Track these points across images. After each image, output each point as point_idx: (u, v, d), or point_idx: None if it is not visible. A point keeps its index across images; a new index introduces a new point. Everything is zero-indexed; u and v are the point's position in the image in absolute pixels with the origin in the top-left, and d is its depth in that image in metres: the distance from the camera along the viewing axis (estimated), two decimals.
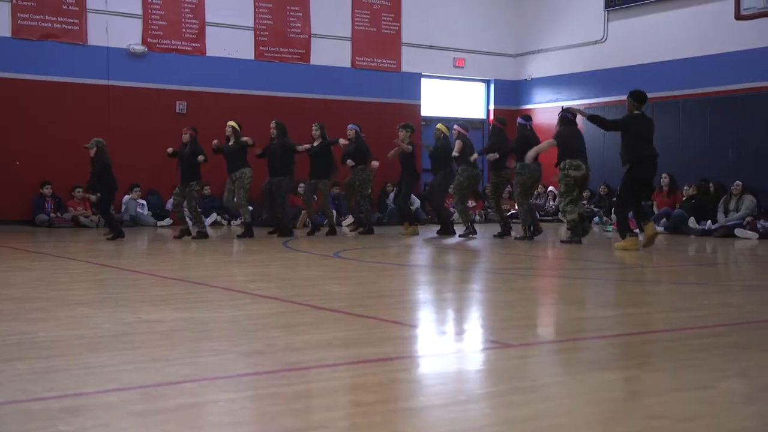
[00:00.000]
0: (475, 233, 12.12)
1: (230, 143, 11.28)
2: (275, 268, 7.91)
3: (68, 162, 13.38)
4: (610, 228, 14.01)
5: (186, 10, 15.18)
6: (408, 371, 3.60)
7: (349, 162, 12.24)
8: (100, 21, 14.44)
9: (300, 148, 11.64)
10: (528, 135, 11.61)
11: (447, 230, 12.31)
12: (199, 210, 11.52)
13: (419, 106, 17.60)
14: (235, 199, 11.29)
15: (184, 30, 15.19)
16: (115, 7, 14.54)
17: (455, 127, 12.54)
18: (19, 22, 13.80)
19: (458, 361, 3.80)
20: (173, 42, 15.10)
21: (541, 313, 5.36)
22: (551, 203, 16.79)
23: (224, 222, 14.50)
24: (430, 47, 17.67)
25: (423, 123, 17.22)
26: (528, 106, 18.74)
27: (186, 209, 11.27)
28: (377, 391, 3.15)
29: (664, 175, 14.25)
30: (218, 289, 6.04)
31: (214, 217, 14.30)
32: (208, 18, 15.34)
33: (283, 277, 7.04)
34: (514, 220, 13.58)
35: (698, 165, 14.98)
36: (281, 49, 16.08)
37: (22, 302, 5.29)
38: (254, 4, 15.80)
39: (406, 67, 17.39)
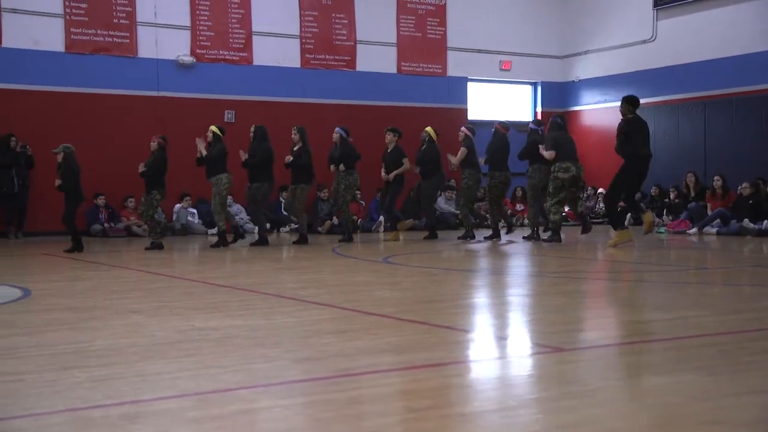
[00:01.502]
0: (473, 237, 12.25)
1: (211, 149, 11.11)
2: (325, 274, 7.96)
3: (120, 173, 13.62)
4: (662, 230, 13.82)
5: (233, 20, 15.36)
6: (460, 376, 3.59)
7: (333, 168, 12.00)
8: (149, 33, 14.69)
9: (286, 159, 11.49)
10: (539, 140, 11.78)
11: (434, 235, 12.45)
12: (161, 220, 11.36)
13: (466, 110, 17.55)
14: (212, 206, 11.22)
15: (231, 40, 15.37)
16: (164, 19, 14.78)
17: (462, 129, 12.57)
18: (72, 37, 14.11)
19: (509, 366, 3.79)
20: (221, 52, 15.29)
21: (593, 317, 5.30)
22: (601, 205, 16.59)
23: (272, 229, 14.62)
24: (476, 51, 17.62)
25: (470, 126, 17.14)
26: (576, 108, 18.58)
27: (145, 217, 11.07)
28: (430, 396, 3.15)
29: (716, 177, 14.01)
30: (269, 296, 6.09)
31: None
32: (255, 27, 15.51)
33: (333, 284, 7.07)
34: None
35: (752, 164, 14.68)
36: (327, 57, 16.18)
37: (79, 311, 5.40)
38: (300, 13, 15.93)
39: (452, 72, 17.36)
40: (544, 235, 11.67)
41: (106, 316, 5.15)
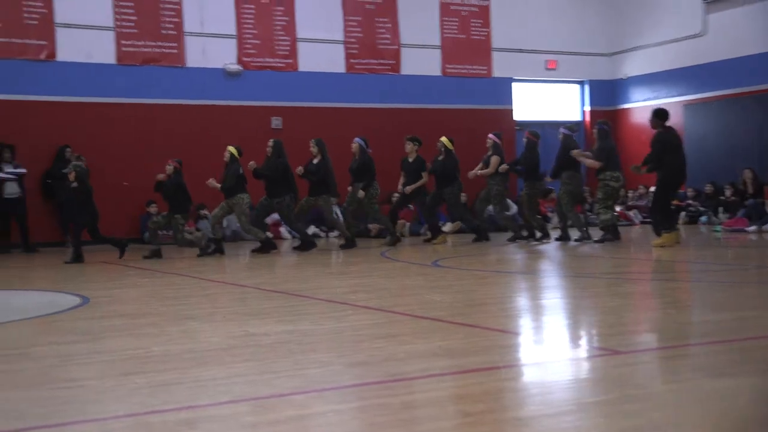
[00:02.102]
0: (488, 239, 12.33)
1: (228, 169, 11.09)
2: (375, 278, 7.96)
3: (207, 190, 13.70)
4: (718, 228, 13.57)
5: (278, 27, 15.49)
6: (514, 380, 3.56)
7: (356, 188, 11.81)
8: (197, 43, 14.88)
9: (298, 170, 11.45)
10: (574, 146, 11.78)
11: (483, 237, 12.40)
12: (189, 238, 11.21)
13: (511, 111, 17.44)
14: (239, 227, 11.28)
15: (276, 47, 15.50)
16: (210, 29, 14.96)
17: (490, 136, 12.55)
18: (122, 49, 14.36)
19: (566, 369, 3.74)
20: (267, 59, 15.43)
21: (650, 318, 5.21)
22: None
23: (322, 234, 14.68)
24: (521, 51, 17.49)
25: (517, 128, 17.06)
26: (625, 106, 18.34)
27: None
28: (484, 400, 3.13)
29: None
30: (320, 301, 6.12)
31: (312, 228, 14.49)
32: (300, 34, 15.61)
33: (383, 287, 7.07)
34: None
35: None
36: (371, 61, 16.22)
37: (135, 318, 5.48)
38: (344, 18, 16.00)
39: (497, 72, 17.26)
40: (598, 237, 11.59)
41: (162, 322, 5.22)
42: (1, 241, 12.76)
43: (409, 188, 12.27)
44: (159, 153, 14.03)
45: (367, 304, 5.78)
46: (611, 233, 11.38)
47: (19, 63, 13.63)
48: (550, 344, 4.36)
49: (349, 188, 12.04)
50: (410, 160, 12.41)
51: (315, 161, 11.50)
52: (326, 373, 3.67)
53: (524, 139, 12.44)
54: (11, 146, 12.93)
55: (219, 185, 11.06)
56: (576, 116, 18.47)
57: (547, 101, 18.23)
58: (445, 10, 16.86)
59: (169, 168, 11.01)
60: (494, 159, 12.24)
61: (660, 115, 10.39)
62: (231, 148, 11.14)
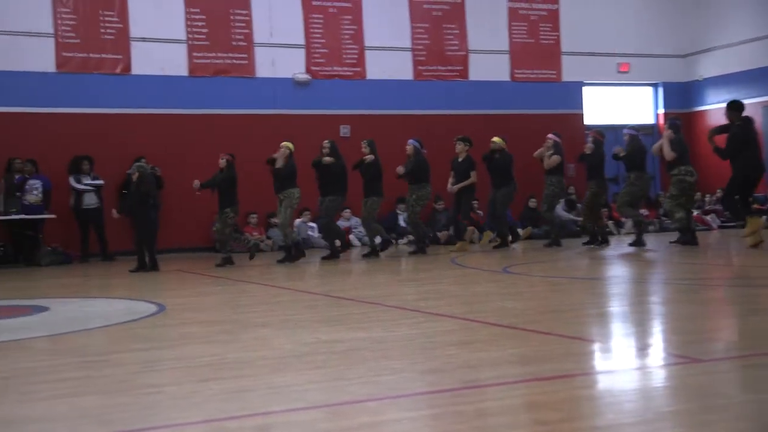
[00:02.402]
0: (508, 245, 12.29)
1: (281, 165, 11.16)
2: (445, 285, 7.94)
3: (242, 189, 13.92)
4: None
5: (346, 36, 15.61)
6: (591, 388, 3.50)
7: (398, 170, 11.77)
8: (266, 54, 15.10)
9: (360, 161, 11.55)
10: (642, 146, 11.77)
11: (508, 242, 12.39)
12: (238, 236, 11.35)
13: (582, 115, 17.20)
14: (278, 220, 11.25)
15: (344, 56, 15.62)
16: (279, 39, 15.17)
17: (550, 136, 12.44)
18: (194, 61, 14.68)
19: (643, 378, 3.66)
20: (335, 68, 15.56)
21: (730, 326, 5.07)
22: None
23: (392, 241, 14.69)
24: (592, 54, 17.25)
25: (587, 132, 16.79)
26: (701, 108, 17.91)
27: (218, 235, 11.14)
28: (560, 408, 3.08)
29: None
30: (391, 308, 6.12)
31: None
32: (367, 42, 15.70)
33: (454, 294, 7.05)
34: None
35: None
36: (439, 67, 16.21)
37: (209, 325, 5.58)
38: (411, 25, 16.03)
39: (566, 77, 17.06)
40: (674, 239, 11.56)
41: (236, 329, 5.30)
42: (80, 250, 13.14)
43: (455, 186, 12.23)
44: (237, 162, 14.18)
45: (438, 311, 5.77)
46: (687, 236, 11.07)
47: (96, 77, 14.05)
48: (626, 352, 4.28)
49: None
50: (460, 159, 12.40)
51: (366, 162, 11.61)
52: (399, 380, 3.67)
53: (589, 138, 12.43)
54: (90, 158, 13.32)
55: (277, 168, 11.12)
56: (649, 119, 18.11)
57: (619, 105, 17.92)
58: (514, 15, 16.74)
59: (222, 161, 11.11)
60: (554, 158, 12.23)
61: (735, 107, 10.34)
62: (288, 144, 11.29)
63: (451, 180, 12.45)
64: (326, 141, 11.63)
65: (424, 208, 12.07)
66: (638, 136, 11.92)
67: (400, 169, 11.68)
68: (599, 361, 4.13)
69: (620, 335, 4.84)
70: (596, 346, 4.45)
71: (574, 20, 17.04)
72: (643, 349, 4.35)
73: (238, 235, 11.55)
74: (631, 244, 11.51)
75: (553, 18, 17.00)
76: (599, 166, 12.09)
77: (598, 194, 12.08)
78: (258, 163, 12.71)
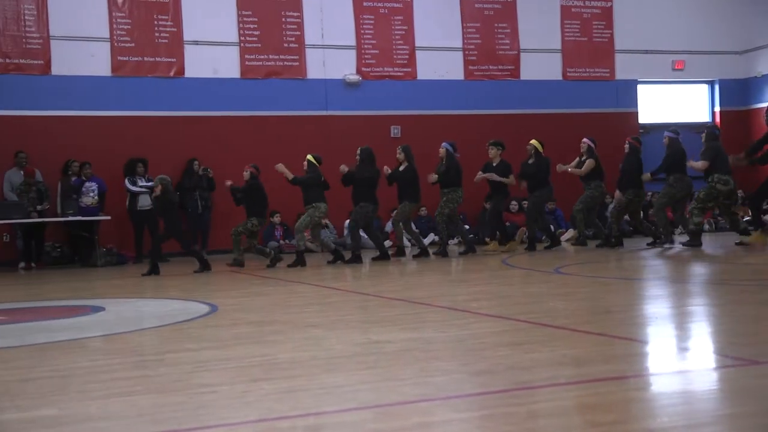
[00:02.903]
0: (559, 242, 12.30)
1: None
2: (496, 285, 7.89)
3: (294, 191, 14.05)
4: None
5: (396, 36, 15.63)
6: (645, 390, 3.44)
7: (430, 178, 11.75)
8: (317, 55, 15.20)
9: (385, 170, 11.56)
10: (681, 148, 11.77)
11: (533, 247, 12.19)
12: (254, 245, 11.34)
13: (636, 113, 16.95)
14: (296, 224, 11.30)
15: (395, 56, 15.64)
16: (330, 40, 15.26)
17: (585, 140, 12.34)
18: (246, 63, 14.84)
19: (699, 380, 3.59)
20: (385, 69, 15.59)
21: None
22: None
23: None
24: (646, 52, 16.99)
25: (641, 131, 16.56)
26: (760, 105, 17.48)
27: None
28: (614, 410, 3.04)
29: None
30: (442, 309, 6.11)
31: (431, 237, 14.51)
32: (418, 42, 15.69)
33: (505, 295, 7.00)
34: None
35: None
36: (490, 67, 16.12)
37: (261, 325, 5.62)
38: (462, 25, 15.98)
39: (620, 75, 16.83)
40: (681, 239, 11.80)
41: (287, 330, 5.34)
42: (134, 251, 13.39)
43: (489, 175, 12.17)
44: (285, 162, 14.31)
45: (489, 312, 5.74)
46: (696, 241, 11.22)
47: (151, 80, 14.29)
48: (681, 353, 4.20)
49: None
50: (494, 164, 12.30)
51: (401, 168, 11.64)
52: (450, 381, 3.65)
53: (626, 145, 12.34)
54: (144, 160, 13.56)
55: (290, 176, 11.18)
56: (705, 117, 17.77)
57: (675, 103, 17.61)
58: (566, 13, 16.57)
59: (246, 174, 11.26)
60: (589, 162, 12.16)
61: None
62: (310, 157, 11.32)
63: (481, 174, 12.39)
64: (359, 149, 11.64)
65: (453, 211, 11.93)
66: (678, 139, 11.90)
67: (432, 177, 11.68)
68: (652, 363, 4.06)
69: (674, 336, 4.75)
70: (649, 348, 4.38)
71: (628, 17, 16.80)
72: (698, 350, 4.27)
73: (255, 242, 11.42)
74: (684, 244, 11.45)
75: (607, 15, 16.78)
76: (636, 171, 12.00)
77: (633, 201, 12.13)
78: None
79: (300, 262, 10.95)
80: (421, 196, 11.86)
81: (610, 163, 12.77)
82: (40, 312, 7.12)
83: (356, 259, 11.26)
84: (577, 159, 12.56)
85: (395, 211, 11.95)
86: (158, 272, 10.45)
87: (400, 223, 11.86)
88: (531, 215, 12.43)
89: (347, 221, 13.87)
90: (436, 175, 11.79)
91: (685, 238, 11.79)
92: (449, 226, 12.02)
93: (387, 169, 11.64)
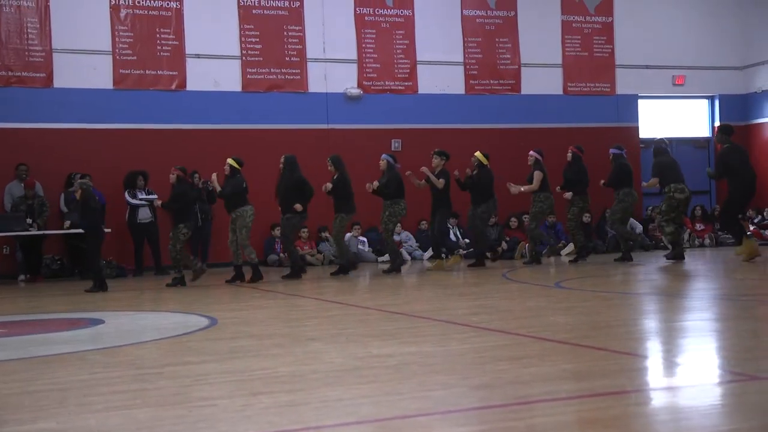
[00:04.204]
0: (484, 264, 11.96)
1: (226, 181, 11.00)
2: (496, 300, 7.89)
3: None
4: None
5: (398, 50, 15.67)
6: (645, 405, 3.44)
7: (369, 187, 11.53)
8: (319, 69, 15.23)
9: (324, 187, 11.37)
10: (625, 163, 12.15)
11: (481, 263, 11.97)
12: (187, 255, 10.88)
13: (637, 128, 16.97)
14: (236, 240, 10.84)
15: (396, 70, 15.68)
16: (332, 54, 15.29)
17: (531, 153, 12.29)
18: (248, 76, 14.87)
19: (700, 395, 3.58)
20: (387, 83, 15.62)
21: None
22: None
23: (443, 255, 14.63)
24: (647, 67, 17.02)
25: (642, 146, 16.58)
26: (760, 120, 17.51)
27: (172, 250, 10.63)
28: (614, 425, 3.04)
29: None
30: (442, 323, 6.10)
31: (430, 252, 14.49)
32: (419, 57, 15.73)
33: (505, 309, 6.99)
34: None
35: None
36: (491, 81, 16.16)
37: (261, 339, 5.62)
38: (463, 39, 16.02)
39: (621, 90, 16.85)
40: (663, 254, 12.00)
41: (287, 343, 5.33)
42: (134, 264, 13.38)
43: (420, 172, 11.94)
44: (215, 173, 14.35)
45: (489, 326, 5.73)
46: (678, 251, 11.40)
47: (152, 93, 14.32)
48: (681, 368, 4.19)
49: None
50: (435, 173, 11.99)
51: (334, 179, 11.44)
52: (450, 395, 3.65)
53: (569, 154, 12.46)
54: (144, 173, 13.56)
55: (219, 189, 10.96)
56: (705, 132, 17.79)
57: (675, 118, 17.62)
58: (567, 28, 16.62)
59: (173, 177, 10.82)
60: (537, 174, 12.08)
61: (726, 130, 11.01)
62: (230, 160, 11.07)
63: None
64: (283, 156, 11.50)
65: (396, 225, 11.80)
66: (622, 155, 12.28)
67: (370, 186, 11.52)
68: (653, 378, 4.05)
69: (675, 351, 4.75)
70: (650, 362, 4.37)
71: (629, 32, 16.84)
72: (698, 365, 4.26)
73: (187, 255, 10.93)
74: (617, 260, 12.02)
75: (608, 30, 16.83)
76: (581, 180, 12.20)
77: (584, 209, 12.44)
78: (310, 177, 12.78)
79: (254, 277, 10.63)
80: (355, 207, 11.54)
81: (603, 176, 12.70)
82: (40, 325, 7.12)
83: (296, 274, 11.00)
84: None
85: (334, 228, 11.58)
86: (105, 288, 10.10)
87: (337, 237, 11.56)
88: (477, 229, 12.13)
89: (347, 234, 13.89)
90: (376, 182, 11.57)
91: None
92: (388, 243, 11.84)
93: (328, 186, 11.42)
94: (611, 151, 12.42)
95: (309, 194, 11.27)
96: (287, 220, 11.19)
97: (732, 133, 11.09)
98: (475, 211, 12.07)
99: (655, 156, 11.75)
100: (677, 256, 11.34)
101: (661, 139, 12.27)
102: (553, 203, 12.32)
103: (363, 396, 3.64)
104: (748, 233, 11.42)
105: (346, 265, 11.44)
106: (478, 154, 12.23)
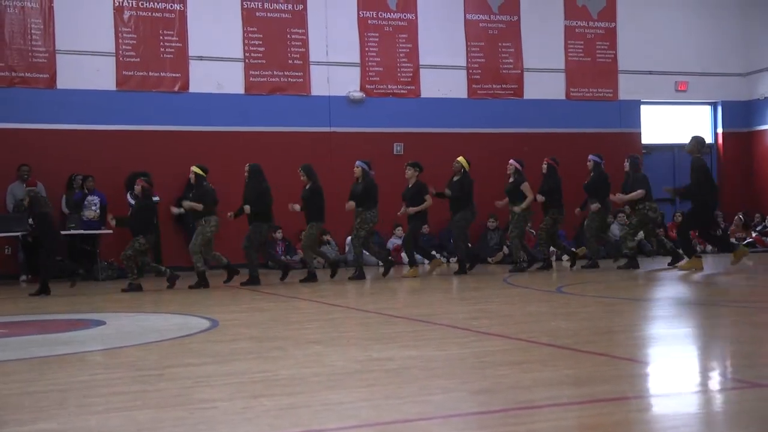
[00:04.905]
0: (466, 272, 11.71)
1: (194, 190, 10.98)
2: (497, 304, 7.88)
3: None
4: None
5: (401, 54, 15.69)
6: (647, 411, 3.43)
7: (348, 206, 11.44)
8: (321, 72, 15.25)
9: (290, 207, 11.39)
10: (604, 172, 12.25)
11: (463, 270, 11.76)
12: (155, 266, 10.99)
13: (639, 134, 16.97)
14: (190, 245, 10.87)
15: (399, 74, 15.69)
16: (335, 57, 15.31)
17: (511, 162, 12.14)
18: (251, 79, 14.89)
19: (701, 401, 3.58)
20: (389, 86, 15.63)
21: None
22: None
23: (444, 260, 14.64)
24: (650, 72, 17.03)
25: (644, 152, 16.57)
26: (763, 127, 17.51)
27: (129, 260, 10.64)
28: (617, 431, 3.03)
29: None
30: (442, 327, 6.10)
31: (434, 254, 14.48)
32: (422, 61, 15.74)
33: (506, 314, 6.99)
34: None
35: None
36: (494, 86, 16.16)
37: (262, 341, 5.62)
38: (466, 44, 16.03)
39: (623, 95, 16.86)
40: (619, 263, 12.12)
41: (288, 346, 5.33)
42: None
43: (412, 210, 11.70)
44: (284, 179, 14.41)
45: (489, 331, 5.73)
46: (633, 263, 11.71)
47: (155, 95, 14.33)
48: (682, 375, 4.18)
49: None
50: (410, 185, 11.89)
51: (307, 188, 11.38)
52: (450, 399, 3.64)
53: (544, 165, 12.32)
54: (146, 174, 13.55)
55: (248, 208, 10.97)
56: (708, 139, 17.73)
57: (678, 123, 17.62)
58: (570, 33, 16.64)
59: (137, 188, 10.85)
60: (525, 186, 11.91)
61: (702, 143, 11.06)
62: (195, 168, 11.00)
63: (403, 207, 11.90)
64: (247, 165, 11.46)
65: (369, 233, 11.60)
66: (601, 164, 12.32)
67: (350, 205, 11.41)
68: (655, 384, 4.04)
69: (676, 358, 4.74)
70: (652, 369, 4.37)
71: (632, 38, 16.85)
72: (700, 372, 4.25)
73: (147, 260, 10.94)
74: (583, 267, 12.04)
75: (610, 36, 16.84)
76: (556, 192, 12.07)
77: (558, 221, 12.30)
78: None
79: (201, 284, 10.54)
80: (325, 217, 11.49)
81: (613, 183, 12.69)
82: (41, 325, 7.12)
83: (254, 281, 10.86)
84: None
85: (304, 237, 11.54)
86: (48, 292, 10.08)
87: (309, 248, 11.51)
88: (458, 237, 11.99)
89: (348, 237, 13.90)
90: (353, 202, 11.44)
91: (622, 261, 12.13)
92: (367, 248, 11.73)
93: (295, 206, 11.44)
94: (591, 158, 12.40)
95: (270, 203, 11.21)
96: (255, 227, 11.06)
97: (705, 145, 11.29)
98: (453, 218, 11.92)
99: (633, 170, 11.81)
100: (633, 266, 11.67)
101: (635, 155, 12.41)
102: (532, 213, 12.19)
103: (363, 399, 3.63)
104: (749, 240, 11.66)
105: (314, 273, 11.36)
106: (461, 159, 12.08)
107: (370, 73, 15.53)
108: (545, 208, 12.13)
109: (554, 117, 16.30)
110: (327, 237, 14.38)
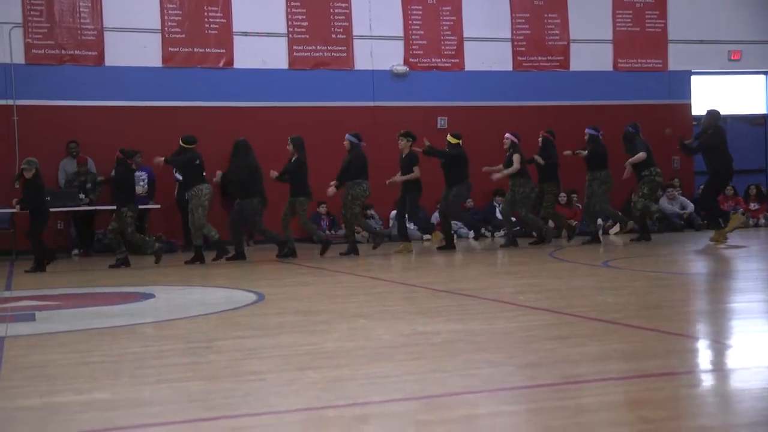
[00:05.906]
0: (516, 244, 11.66)
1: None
2: (543, 278, 7.82)
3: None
4: None
5: (445, 27, 15.54)
6: (696, 387, 3.39)
7: (330, 191, 11.31)
8: (365, 46, 15.19)
9: (271, 174, 11.19)
10: (602, 145, 11.98)
11: (451, 245, 11.68)
12: (142, 238, 10.89)
13: (689, 105, 16.62)
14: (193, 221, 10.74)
15: (443, 47, 15.56)
16: (378, 31, 15.22)
17: (507, 135, 11.99)
18: (294, 54, 14.89)
19: (754, 377, 3.51)
20: (433, 59, 15.51)
21: None
22: None
23: (488, 234, 14.59)
24: (701, 42, 16.63)
25: (695, 123, 16.23)
26: None
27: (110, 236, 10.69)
28: (666, 407, 3.00)
29: None
30: (488, 301, 6.08)
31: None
32: (466, 33, 15.58)
33: (553, 288, 6.93)
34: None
35: None
36: (539, 58, 15.94)
37: (308, 314, 5.66)
38: (511, 15, 15.82)
39: (673, 66, 16.51)
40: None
41: (333, 319, 5.36)
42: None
43: (399, 178, 11.55)
44: (328, 154, 14.40)
45: (536, 305, 5.70)
46: (643, 229, 11.85)
47: (200, 71, 14.42)
48: (735, 350, 4.12)
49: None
50: (403, 155, 11.70)
51: (293, 160, 11.23)
52: (497, 373, 3.64)
53: (539, 139, 12.19)
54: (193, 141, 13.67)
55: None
56: (761, 109, 17.36)
57: (730, 94, 17.21)
58: (618, 3, 16.30)
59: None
60: (516, 157, 11.75)
61: (716, 115, 10.99)
62: (181, 141, 11.01)
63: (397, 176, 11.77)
64: (234, 141, 11.49)
65: (361, 207, 11.60)
66: (599, 136, 12.01)
67: (273, 174, 11.27)
68: (704, 359, 3.99)
69: (727, 333, 4.67)
70: (701, 344, 4.31)
71: (683, 6, 16.46)
72: (751, 347, 4.18)
73: (143, 237, 10.95)
74: (634, 240, 11.98)
75: (660, 4, 16.46)
76: (552, 164, 11.97)
77: (551, 193, 12.12)
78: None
79: (196, 258, 10.58)
80: (311, 191, 11.35)
81: (660, 155, 12.51)
82: (94, 298, 7.27)
83: (239, 256, 10.84)
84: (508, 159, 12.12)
85: (288, 210, 11.27)
86: (44, 269, 10.11)
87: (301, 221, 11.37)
88: (450, 214, 11.80)
89: (392, 212, 13.90)
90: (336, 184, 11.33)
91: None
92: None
93: (273, 173, 11.29)
94: (588, 131, 12.10)
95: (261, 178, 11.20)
96: (248, 204, 11.00)
97: (720, 117, 11.21)
98: (448, 193, 11.71)
99: (630, 138, 11.71)
100: (644, 238, 11.79)
101: (634, 123, 12.14)
102: (534, 186, 11.99)
103: (409, 373, 3.64)
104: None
105: (323, 242, 11.27)
106: (448, 137, 11.88)
107: (413, 47, 15.43)
108: (540, 182, 12.04)
109: (601, 89, 16.03)
110: (371, 211, 14.38)
